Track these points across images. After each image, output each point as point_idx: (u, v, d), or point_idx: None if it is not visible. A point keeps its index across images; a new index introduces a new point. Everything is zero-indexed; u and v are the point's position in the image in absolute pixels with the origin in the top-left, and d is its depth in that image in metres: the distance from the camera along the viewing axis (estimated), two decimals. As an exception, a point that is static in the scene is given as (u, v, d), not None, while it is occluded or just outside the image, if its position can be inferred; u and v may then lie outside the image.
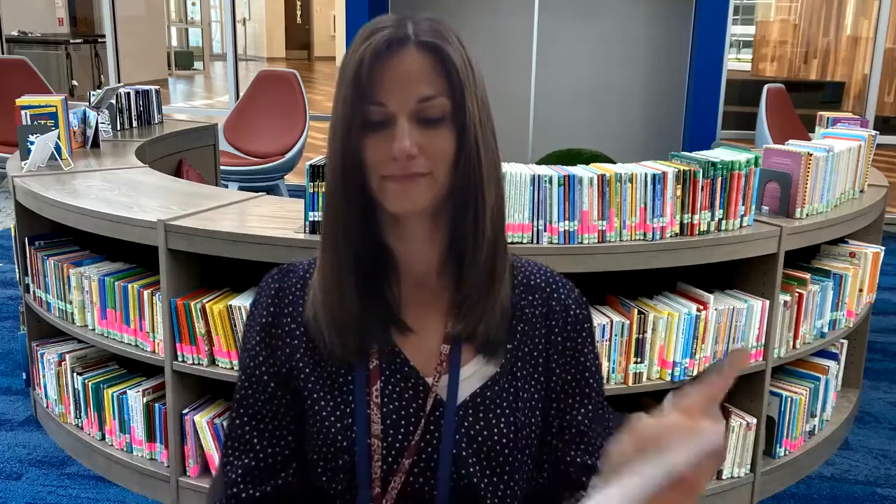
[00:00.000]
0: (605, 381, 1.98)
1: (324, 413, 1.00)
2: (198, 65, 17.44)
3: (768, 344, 2.39)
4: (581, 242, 2.16)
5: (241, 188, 5.19)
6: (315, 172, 2.14)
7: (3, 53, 8.51)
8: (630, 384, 2.27)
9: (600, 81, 6.20)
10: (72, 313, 2.61)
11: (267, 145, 5.75)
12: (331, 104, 0.96)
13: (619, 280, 2.36)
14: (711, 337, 2.31)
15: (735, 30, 9.93)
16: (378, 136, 0.91)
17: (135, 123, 4.04)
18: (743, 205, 2.31)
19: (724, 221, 2.29)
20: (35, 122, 3.10)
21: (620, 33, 6.11)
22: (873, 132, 2.93)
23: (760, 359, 2.40)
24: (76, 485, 2.55)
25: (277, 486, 1.03)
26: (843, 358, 2.84)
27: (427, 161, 0.92)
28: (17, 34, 9.91)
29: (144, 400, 2.47)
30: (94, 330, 2.56)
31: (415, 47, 0.91)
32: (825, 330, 2.61)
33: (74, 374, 2.63)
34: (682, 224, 2.24)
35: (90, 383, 2.57)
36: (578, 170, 2.18)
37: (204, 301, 2.29)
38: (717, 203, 2.26)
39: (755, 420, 2.44)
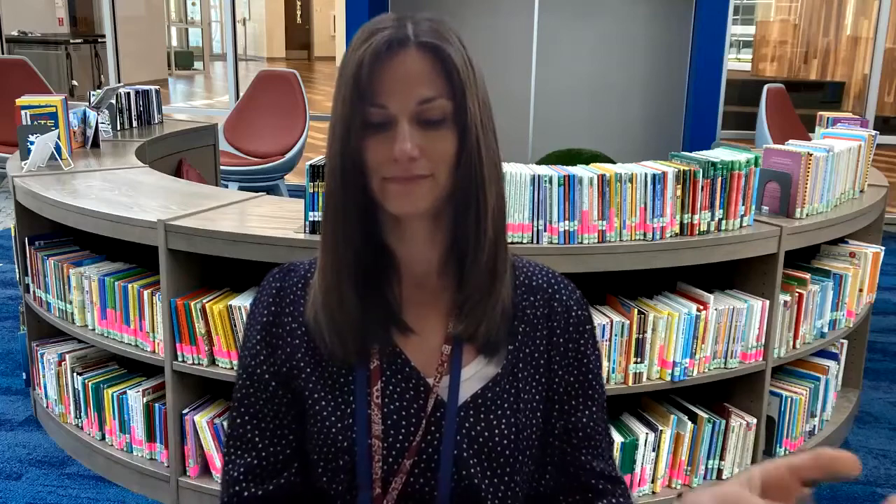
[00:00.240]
0: (605, 381, 1.99)
1: (324, 413, 1.00)
2: (198, 65, 17.43)
3: (768, 344, 2.39)
4: (581, 242, 2.16)
5: (241, 188, 5.19)
6: (315, 172, 2.14)
7: (3, 53, 8.51)
8: (630, 384, 2.27)
9: (600, 81, 6.20)
10: (72, 313, 2.61)
11: (267, 145, 5.75)
12: (331, 104, 0.96)
13: (619, 280, 2.36)
14: (711, 337, 2.31)
15: (735, 30, 9.93)
16: (379, 137, 0.91)
17: (135, 123, 4.04)
18: (743, 205, 2.31)
19: (724, 221, 2.29)
20: (35, 122, 3.10)
21: (620, 33, 6.11)
22: (873, 132, 2.93)
23: (760, 359, 2.40)
24: (76, 485, 2.55)
25: (280, 486, 1.03)
26: (843, 358, 2.84)
27: (428, 163, 0.91)
28: (17, 34, 9.91)
29: (144, 400, 2.47)
30: (94, 330, 2.56)
31: (415, 48, 0.90)
32: (825, 330, 2.61)
33: (74, 374, 2.63)
34: (682, 224, 2.24)
35: (90, 383, 2.57)
36: (578, 170, 2.18)
37: (204, 301, 2.29)
38: (717, 203, 2.26)
39: (755, 420, 2.44)
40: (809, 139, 2.99)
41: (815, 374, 2.69)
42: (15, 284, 4.16)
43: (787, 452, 2.60)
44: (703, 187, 2.23)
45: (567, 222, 2.14)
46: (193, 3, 18.75)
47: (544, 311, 1.06)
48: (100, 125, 3.51)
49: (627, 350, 2.24)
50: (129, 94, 3.99)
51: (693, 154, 2.31)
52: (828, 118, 3.24)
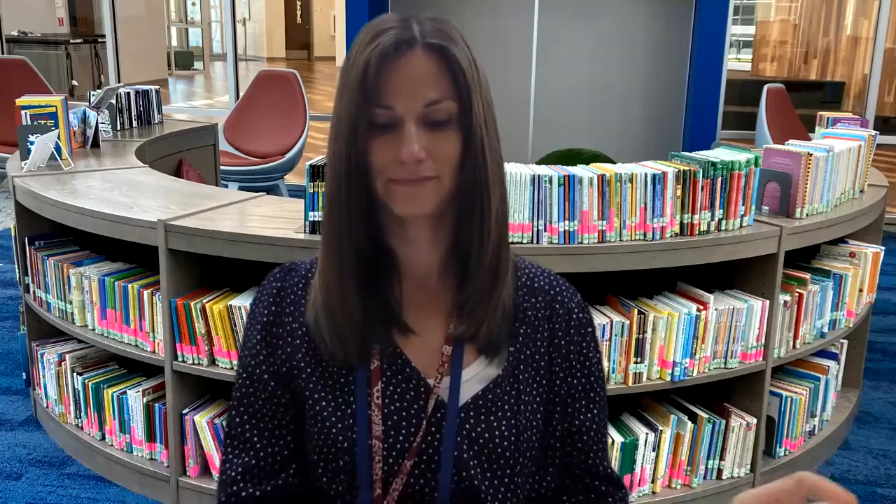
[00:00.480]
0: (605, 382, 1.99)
1: (325, 413, 1.00)
2: (198, 65, 17.43)
3: (768, 344, 2.39)
4: (581, 242, 2.16)
5: (241, 188, 5.19)
6: (315, 172, 2.14)
7: (3, 53, 8.51)
8: (630, 384, 2.27)
9: (600, 81, 6.20)
10: (72, 313, 2.61)
11: (267, 145, 5.75)
12: (331, 104, 0.96)
13: (619, 280, 2.36)
14: (711, 337, 2.31)
15: (735, 30, 9.93)
16: (384, 138, 0.90)
17: (135, 123, 4.04)
18: (743, 205, 2.31)
19: (724, 221, 2.29)
20: (35, 122, 3.10)
21: (620, 33, 6.11)
22: (873, 132, 2.93)
23: (760, 359, 2.40)
24: (76, 485, 2.55)
25: (278, 486, 1.03)
26: (843, 358, 2.84)
27: (434, 164, 0.91)
28: (17, 34, 9.91)
29: (144, 400, 2.47)
30: (94, 330, 2.56)
31: (421, 49, 0.90)
32: (825, 330, 2.61)
33: (74, 374, 2.63)
34: (682, 224, 2.24)
35: (90, 383, 2.57)
36: (578, 170, 2.18)
37: (204, 301, 2.29)
38: (717, 203, 2.26)
39: (755, 420, 2.44)
40: (809, 139, 2.99)
41: (815, 374, 2.69)
42: (15, 284, 4.16)
43: (787, 452, 2.60)
44: (703, 187, 2.23)
45: (567, 222, 2.14)
46: (193, 3, 18.75)
47: (545, 313, 1.06)
48: (100, 125, 3.51)
49: (627, 350, 2.24)
50: (129, 94, 3.99)
51: (693, 154, 2.31)
52: (828, 118, 3.24)
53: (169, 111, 5.12)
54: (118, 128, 3.89)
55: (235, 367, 1.08)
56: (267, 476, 1.03)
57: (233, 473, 1.03)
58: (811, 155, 2.44)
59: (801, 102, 7.60)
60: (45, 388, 2.78)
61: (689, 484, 2.41)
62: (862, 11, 10.14)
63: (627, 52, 6.14)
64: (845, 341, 2.84)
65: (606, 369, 2.24)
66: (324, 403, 1.01)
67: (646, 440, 2.31)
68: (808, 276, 2.51)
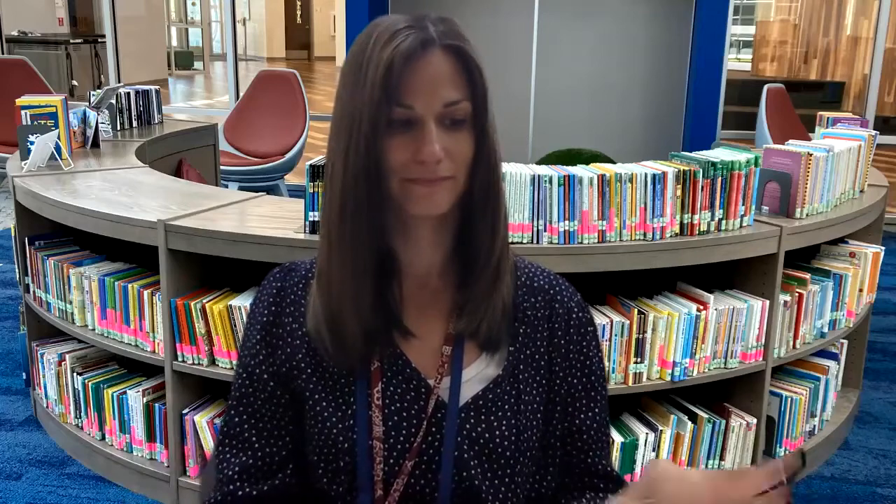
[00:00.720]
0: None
1: (325, 414, 1.00)
2: (198, 65, 17.44)
3: (768, 344, 2.39)
4: (581, 242, 2.16)
5: (241, 188, 5.19)
6: (315, 172, 2.14)
7: (3, 53, 8.51)
8: (630, 384, 2.27)
9: (600, 81, 6.20)
10: (72, 313, 2.61)
11: (267, 145, 5.75)
12: (331, 104, 0.96)
13: (619, 280, 2.36)
14: (711, 337, 2.31)
15: (735, 30, 9.93)
16: (401, 137, 0.90)
17: (135, 123, 4.04)
18: (743, 205, 2.31)
19: (724, 221, 2.29)
20: (35, 122, 3.10)
21: (620, 33, 6.11)
22: (873, 132, 2.93)
23: (760, 359, 2.40)
24: (76, 485, 2.55)
25: (275, 486, 1.03)
26: (843, 358, 2.84)
27: (451, 164, 0.91)
28: (17, 34, 9.91)
29: (144, 400, 2.47)
30: (94, 330, 2.56)
31: (440, 50, 0.90)
32: (825, 330, 2.61)
33: (74, 374, 2.63)
34: (682, 224, 2.24)
35: (90, 383, 2.57)
36: (578, 170, 2.18)
37: (204, 301, 2.29)
38: (717, 203, 2.26)
39: (755, 420, 2.44)
40: (809, 139, 2.99)
41: (815, 374, 2.69)
42: (15, 284, 4.16)
43: (786, 452, 2.60)
44: (703, 187, 2.23)
45: (567, 222, 2.14)
46: (193, 3, 18.75)
47: (545, 313, 1.06)
48: (100, 125, 3.51)
49: (627, 350, 2.24)
50: (129, 94, 3.99)
51: (693, 154, 2.31)
52: (828, 118, 3.24)
53: (169, 111, 5.13)
54: (118, 128, 3.89)
55: (235, 367, 1.08)
56: (264, 476, 1.03)
57: (230, 473, 1.03)
58: (811, 155, 2.44)
59: (801, 102, 7.60)
60: (45, 388, 2.78)
61: (689, 484, 2.40)
62: (862, 11, 10.14)
63: (627, 52, 6.14)
64: (845, 341, 2.84)
65: (606, 369, 2.24)
66: (324, 404, 1.01)
67: (646, 440, 2.31)
68: (808, 276, 2.51)
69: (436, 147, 0.89)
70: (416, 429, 1.00)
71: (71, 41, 10.48)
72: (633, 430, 2.33)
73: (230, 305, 2.26)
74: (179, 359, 2.34)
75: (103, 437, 2.60)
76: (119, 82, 6.18)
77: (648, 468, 0.88)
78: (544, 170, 2.15)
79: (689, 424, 2.36)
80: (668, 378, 2.28)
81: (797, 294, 2.46)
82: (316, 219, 2.18)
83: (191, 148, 4.18)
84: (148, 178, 2.91)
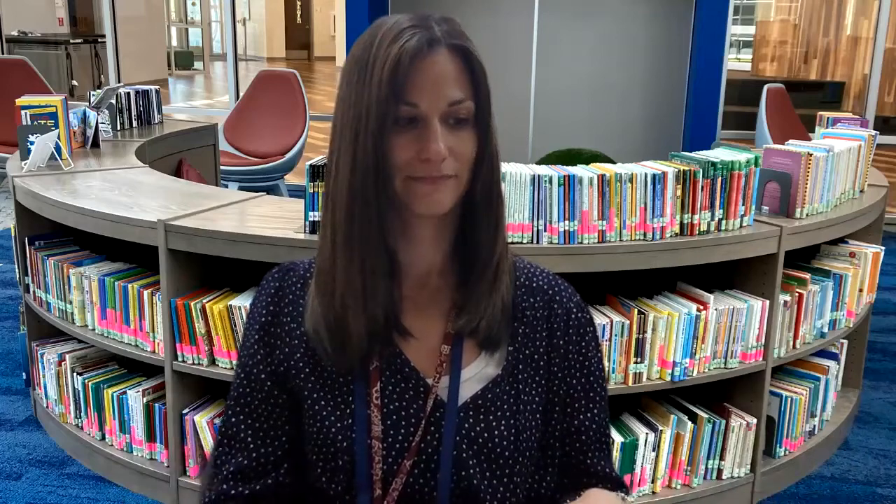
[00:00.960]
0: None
1: (323, 413, 1.00)
2: (198, 65, 17.44)
3: (768, 344, 2.39)
4: (581, 242, 2.16)
5: (241, 188, 5.19)
6: (315, 172, 2.14)
7: (3, 53, 8.51)
8: (630, 384, 2.27)
9: (600, 81, 6.20)
10: (72, 313, 2.61)
11: (267, 145, 5.75)
12: (332, 104, 0.96)
13: (619, 280, 2.36)
14: (711, 337, 2.31)
15: (735, 30, 9.93)
16: (405, 135, 0.91)
17: (135, 123, 4.04)
18: (743, 205, 2.31)
19: (724, 221, 2.29)
20: (35, 122, 3.10)
21: (620, 33, 6.11)
22: (873, 132, 2.93)
23: (760, 359, 2.40)
24: (76, 485, 2.55)
25: (267, 486, 1.03)
26: (843, 358, 2.84)
27: (455, 163, 0.92)
28: (17, 34, 9.92)
29: (144, 400, 2.47)
30: (94, 330, 2.56)
31: (446, 49, 0.91)
32: (825, 330, 2.61)
33: (74, 374, 2.63)
34: (682, 224, 2.24)
35: (90, 383, 2.57)
36: (578, 170, 2.18)
37: (204, 301, 2.29)
38: (717, 203, 2.26)
39: (755, 420, 2.44)
40: (809, 139, 2.99)
41: (815, 374, 2.69)
42: (15, 284, 4.16)
43: (787, 452, 2.60)
44: (703, 187, 2.23)
45: (567, 222, 2.14)
46: (193, 3, 18.75)
47: (544, 313, 1.06)
48: (100, 125, 3.51)
49: (627, 350, 2.24)
50: (129, 94, 3.99)
51: (693, 154, 2.31)
52: (828, 118, 3.24)
53: (169, 111, 5.13)
54: (118, 128, 3.89)
55: (234, 367, 1.08)
56: (257, 476, 1.03)
57: (225, 472, 1.03)
58: (811, 155, 2.44)
59: (801, 102, 7.60)
60: (45, 388, 2.78)
61: (689, 484, 2.41)
62: (862, 11, 10.14)
63: (627, 52, 6.14)
64: (845, 341, 2.84)
65: (606, 369, 2.24)
66: (322, 403, 1.01)
67: (646, 440, 2.31)
68: (808, 276, 2.51)
69: (440, 145, 0.90)
70: (414, 428, 1.00)
71: (71, 41, 10.49)
72: (633, 430, 2.33)
73: (230, 305, 2.26)
74: (179, 359, 2.34)
75: (103, 437, 2.60)
76: (119, 82, 6.18)
77: None
78: (544, 170, 2.15)
79: (689, 424, 2.36)
80: (668, 378, 2.28)
81: (797, 294, 2.46)
82: (316, 219, 2.17)
83: (191, 148, 4.18)
84: (148, 178, 2.91)
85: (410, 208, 0.93)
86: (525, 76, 6.18)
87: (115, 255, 2.66)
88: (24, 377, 3.05)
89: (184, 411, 2.40)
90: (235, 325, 2.27)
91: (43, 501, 2.45)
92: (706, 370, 2.34)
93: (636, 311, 2.23)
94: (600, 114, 6.25)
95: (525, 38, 6.14)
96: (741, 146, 2.69)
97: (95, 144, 3.44)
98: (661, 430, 2.34)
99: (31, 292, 2.82)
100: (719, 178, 2.24)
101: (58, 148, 3.01)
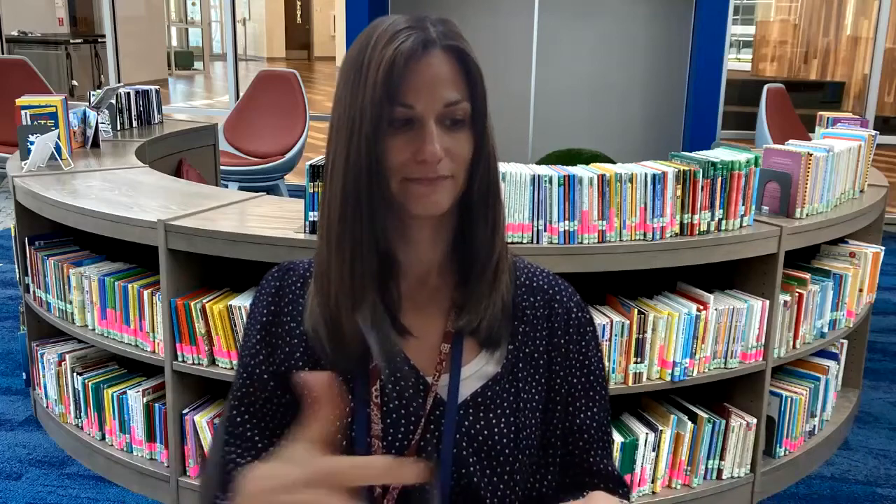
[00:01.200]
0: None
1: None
2: (198, 65, 17.44)
3: (768, 344, 2.39)
4: (581, 242, 2.16)
5: (241, 188, 5.19)
6: (315, 172, 2.14)
7: (3, 53, 8.51)
8: (630, 384, 2.27)
9: (600, 81, 6.20)
10: (72, 313, 2.61)
11: (267, 145, 5.75)
12: (331, 104, 0.96)
13: (619, 280, 2.36)
14: (711, 337, 2.31)
15: (735, 30, 9.93)
16: (401, 137, 0.91)
17: (135, 123, 4.04)
18: (743, 205, 2.31)
19: (724, 221, 2.29)
20: (35, 122, 3.10)
21: (620, 33, 6.11)
22: (873, 132, 2.93)
23: (760, 359, 2.40)
24: (76, 485, 2.55)
25: None
26: (843, 358, 2.84)
27: (451, 164, 0.92)
28: (17, 34, 9.92)
29: (144, 400, 2.47)
30: (94, 330, 2.56)
31: (441, 50, 0.91)
32: (825, 330, 2.61)
33: (74, 374, 2.63)
34: (682, 224, 2.24)
35: (90, 383, 2.57)
36: (578, 170, 2.18)
37: (204, 301, 2.29)
38: (717, 203, 2.26)
39: (755, 420, 2.44)
40: (809, 139, 2.99)
41: (815, 374, 2.69)
42: (15, 284, 4.16)
43: (787, 452, 2.60)
44: (703, 187, 2.23)
45: (567, 222, 2.14)
46: (193, 3, 18.76)
47: (544, 312, 1.06)
48: (100, 125, 3.51)
49: (627, 350, 2.24)
50: (129, 94, 4.00)
51: (693, 154, 2.31)
52: (828, 118, 3.24)
53: (169, 111, 5.13)
54: (118, 128, 3.89)
55: (236, 367, 1.08)
56: None
57: (234, 474, 1.03)
58: (811, 155, 2.44)
59: (801, 102, 7.61)
60: (45, 388, 2.78)
61: (689, 484, 2.41)
62: (862, 11, 10.14)
63: (627, 52, 6.14)
64: (845, 341, 2.84)
65: (606, 369, 2.24)
66: (322, 402, 1.01)
67: (646, 440, 2.31)
68: (808, 276, 2.51)
69: (437, 146, 0.90)
70: (414, 426, 1.00)
71: (71, 41, 10.49)
72: (633, 430, 2.33)
73: (230, 305, 2.26)
74: (179, 359, 2.34)
75: (103, 437, 2.60)
76: (119, 82, 6.18)
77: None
78: (544, 170, 2.15)
79: (689, 424, 2.36)
80: (668, 378, 2.28)
81: (797, 294, 2.46)
82: (316, 219, 2.17)
83: (191, 148, 4.18)
84: (148, 178, 2.91)
85: (407, 209, 0.94)
86: (525, 76, 6.18)
87: (115, 255, 2.66)
88: (24, 377, 3.05)
89: (184, 411, 2.40)
90: (235, 325, 2.27)
91: (43, 501, 2.45)
92: (706, 370, 2.34)
93: (636, 311, 2.23)
94: (600, 114, 6.25)
95: (525, 38, 6.14)
96: (741, 146, 2.69)
97: (95, 144, 3.44)
98: (661, 430, 2.34)
99: (31, 292, 2.82)
100: (719, 178, 2.24)
101: (58, 148, 3.01)
